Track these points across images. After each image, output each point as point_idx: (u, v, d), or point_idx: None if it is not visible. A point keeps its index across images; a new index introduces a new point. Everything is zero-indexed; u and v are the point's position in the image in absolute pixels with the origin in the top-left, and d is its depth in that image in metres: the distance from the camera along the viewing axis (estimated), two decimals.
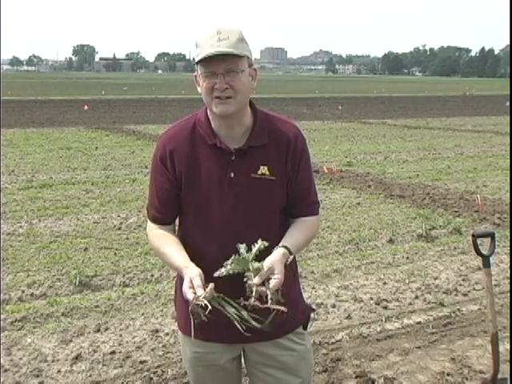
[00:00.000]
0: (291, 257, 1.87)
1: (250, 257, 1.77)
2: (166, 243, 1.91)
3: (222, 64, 1.77)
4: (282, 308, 1.70)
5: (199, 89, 1.87)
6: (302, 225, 1.96)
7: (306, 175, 1.96)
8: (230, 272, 1.76)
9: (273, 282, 1.73)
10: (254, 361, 2.01)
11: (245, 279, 1.75)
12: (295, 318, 1.94)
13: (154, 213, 1.97)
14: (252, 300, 1.70)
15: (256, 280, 1.72)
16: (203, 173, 1.88)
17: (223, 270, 1.77)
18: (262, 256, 1.79)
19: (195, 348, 2.01)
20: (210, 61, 1.77)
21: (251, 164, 1.88)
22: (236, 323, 1.74)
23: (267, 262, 1.76)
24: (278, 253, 1.82)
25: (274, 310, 1.69)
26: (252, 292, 1.71)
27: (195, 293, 1.70)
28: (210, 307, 1.67)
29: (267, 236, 1.86)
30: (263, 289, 1.72)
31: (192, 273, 1.75)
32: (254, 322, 1.73)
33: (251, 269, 1.75)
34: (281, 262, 1.80)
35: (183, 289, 1.74)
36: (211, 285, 1.72)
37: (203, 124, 1.90)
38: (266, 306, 1.69)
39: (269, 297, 1.70)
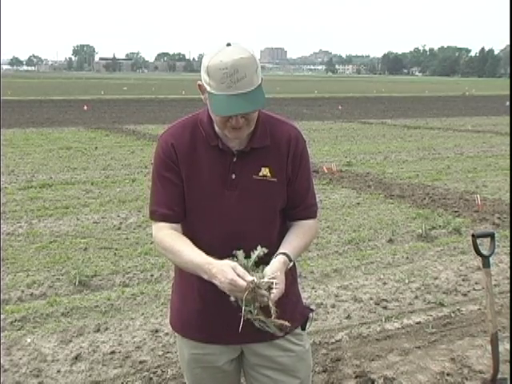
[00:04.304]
0: (291, 264, 1.85)
1: (249, 264, 1.75)
2: (180, 242, 1.84)
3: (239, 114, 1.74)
4: (286, 323, 1.69)
5: (203, 97, 1.81)
6: (301, 229, 1.94)
7: (305, 177, 1.95)
8: None
9: (274, 292, 1.71)
10: (251, 362, 2.00)
11: None
12: (293, 319, 1.94)
13: (163, 211, 1.88)
14: (255, 312, 1.68)
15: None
16: (204, 173, 1.87)
17: None
18: (261, 260, 1.77)
19: (193, 349, 2.00)
20: None
21: (252, 165, 1.87)
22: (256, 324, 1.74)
23: (268, 272, 1.74)
24: (278, 261, 1.80)
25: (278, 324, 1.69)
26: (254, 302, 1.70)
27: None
28: (276, 282, 1.67)
29: (268, 237, 1.86)
30: (265, 299, 1.70)
31: (230, 263, 1.71)
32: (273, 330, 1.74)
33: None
34: (282, 270, 1.78)
35: (231, 278, 1.66)
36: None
37: (205, 125, 1.88)
38: (269, 319, 1.68)
39: (272, 310, 1.68)
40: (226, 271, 1.67)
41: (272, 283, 1.71)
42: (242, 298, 1.68)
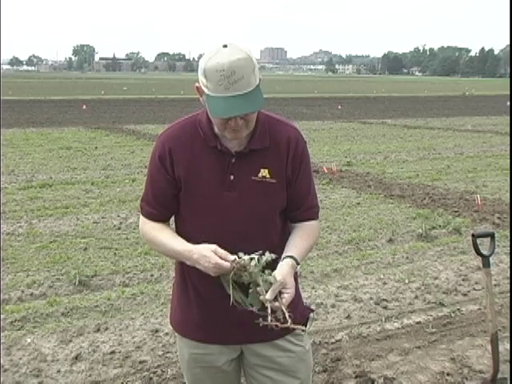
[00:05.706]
0: (298, 267, 1.85)
1: (257, 269, 1.72)
2: (164, 232, 1.90)
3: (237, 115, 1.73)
4: (302, 327, 1.68)
5: (201, 99, 1.80)
6: (304, 231, 1.93)
7: (306, 178, 1.95)
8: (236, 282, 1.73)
9: (285, 297, 1.71)
10: (251, 362, 2.00)
11: (250, 290, 1.73)
12: (294, 319, 1.94)
13: (149, 209, 1.94)
14: (269, 319, 1.66)
15: (269, 295, 1.68)
16: (203, 175, 1.86)
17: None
18: (267, 264, 1.75)
19: (193, 349, 2.00)
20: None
21: (252, 167, 1.87)
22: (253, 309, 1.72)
23: (278, 276, 1.73)
24: (286, 265, 1.79)
25: (293, 329, 1.68)
26: (266, 309, 1.68)
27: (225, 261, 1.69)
28: (256, 260, 1.68)
29: (268, 238, 1.86)
30: (277, 304, 1.68)
31: (211, 246, 1.73)
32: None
33: (261, 282, 1.71)
34: (291, 274, 1.78)
35: (215, 262, 1.69)
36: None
37: (204, 126, 1.87)
38: (286, 325, 1.66)
39: (287, 315, 1.66)
40: (209, 256, 1.72)
41: (279, 284, 1.70)
42: (228, 279, 1.69)
